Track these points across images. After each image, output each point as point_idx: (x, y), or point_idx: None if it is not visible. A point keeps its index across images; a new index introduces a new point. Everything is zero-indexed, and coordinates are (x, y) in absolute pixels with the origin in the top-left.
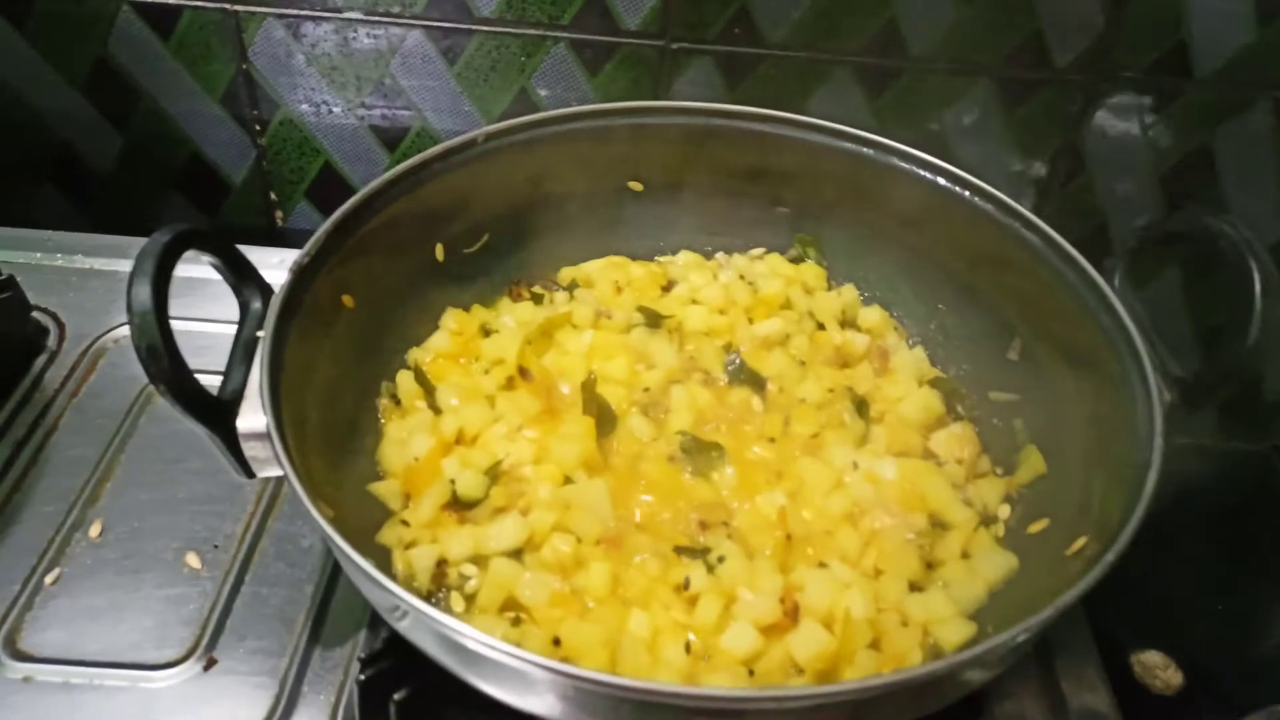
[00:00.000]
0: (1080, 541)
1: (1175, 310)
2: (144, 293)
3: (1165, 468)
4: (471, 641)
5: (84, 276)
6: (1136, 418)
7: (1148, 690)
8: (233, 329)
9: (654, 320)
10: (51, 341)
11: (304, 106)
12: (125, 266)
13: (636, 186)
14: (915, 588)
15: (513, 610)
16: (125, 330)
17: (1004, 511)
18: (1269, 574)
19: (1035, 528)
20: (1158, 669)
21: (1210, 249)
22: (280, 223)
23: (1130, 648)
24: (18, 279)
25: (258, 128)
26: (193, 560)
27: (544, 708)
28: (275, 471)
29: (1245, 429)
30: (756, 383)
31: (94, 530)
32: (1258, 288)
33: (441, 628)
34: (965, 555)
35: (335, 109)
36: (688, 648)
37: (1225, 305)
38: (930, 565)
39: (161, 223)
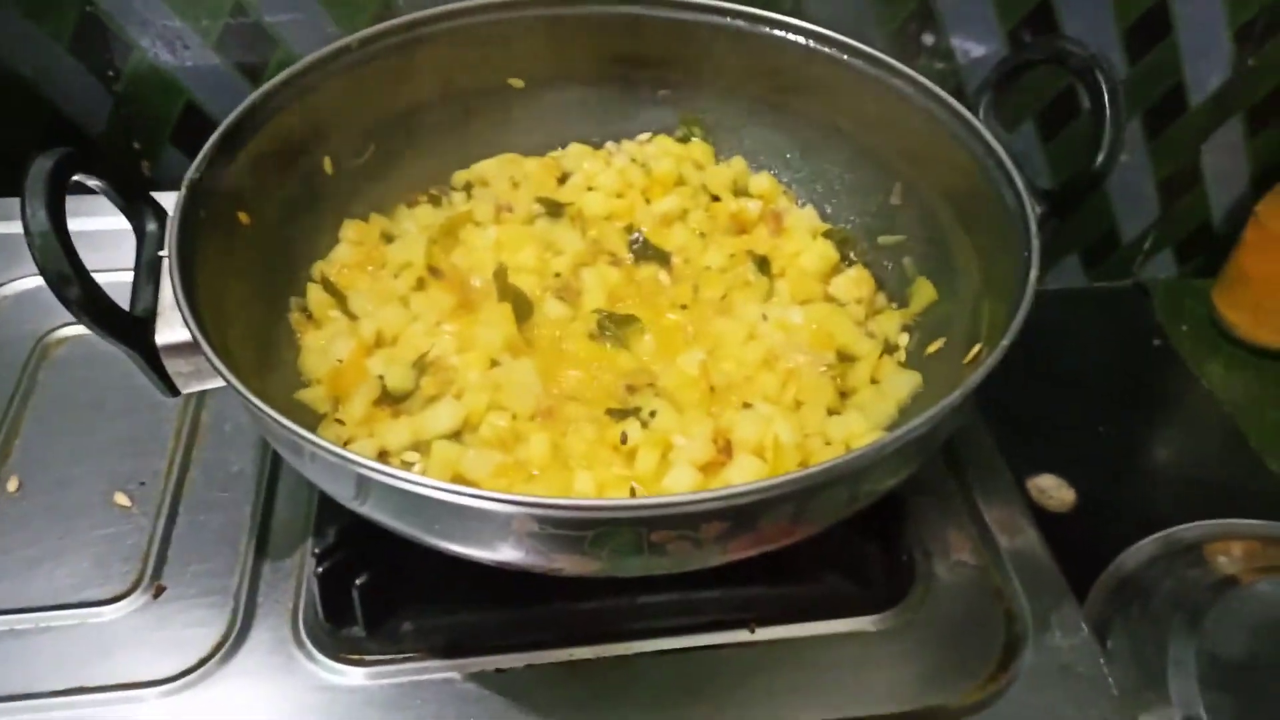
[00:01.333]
0: (975, 349)
1: (1036, 144)
2: (40, 214)
3: (1042, 311)
4: (438, 492)
5: None
6: (1013, 230)
7: (1044, 510)
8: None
9: (555, 210)
10: None
11: (159, 47)
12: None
13: (517, 83)
14: (833, 413)
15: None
16: (10, 288)
17: (904, 339)
18: (1140, 401)
19: (933, 348)
20: (1051, 490)
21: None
22: (148, 172)
23: (1026, 474)
24: None
25: (112, 74)
26: (122, 499)
27: (509, 553)
28: (200, 385)
29: (1108, 271)
30: (662, 258)
31: (11, 485)
32: (1105, 93)
33: (405, 484)
34: (874, 380)
35: (193, 45)
36: (632, 493)
37: (1082, 138)
38: (844, 394)
39: None
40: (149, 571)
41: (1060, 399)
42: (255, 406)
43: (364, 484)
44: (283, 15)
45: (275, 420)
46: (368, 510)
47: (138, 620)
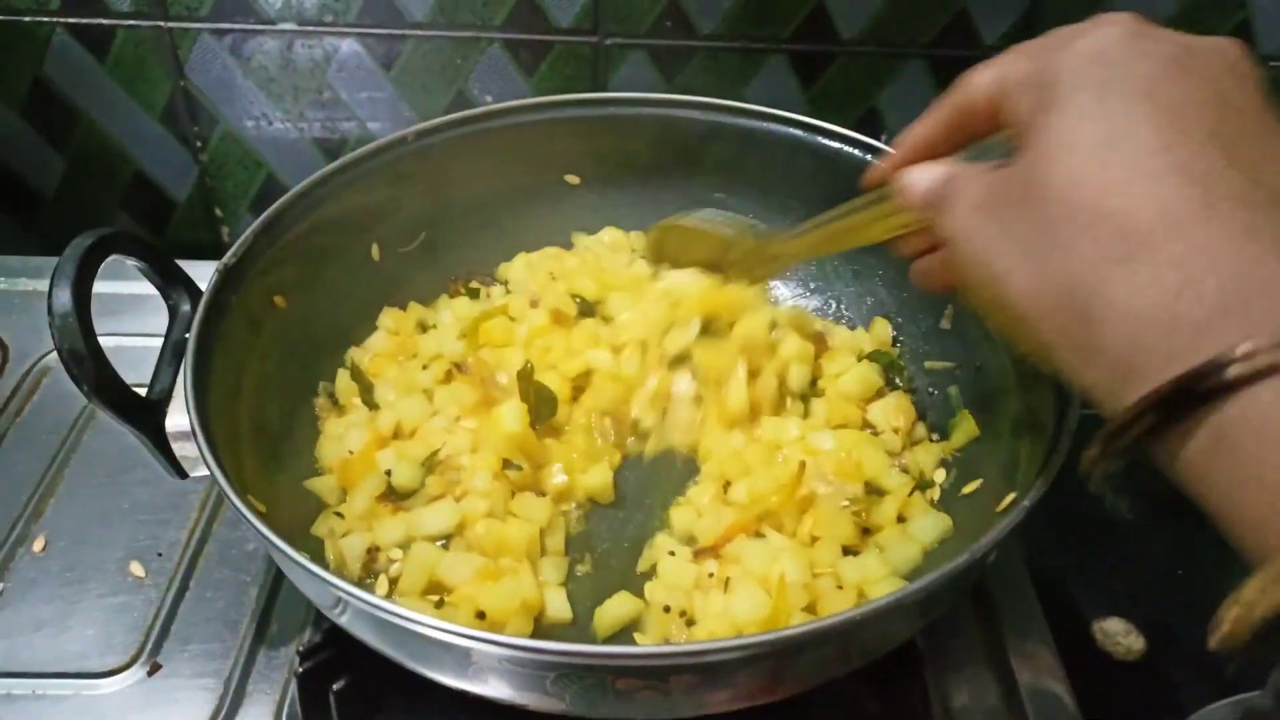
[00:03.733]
0: (1009, 498)
1: None
2: (64, 296)
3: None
4: (394, 617)
5: (27, 298)
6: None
7: (1111, 657)
8: None
9: (588, 309)
10: None
11: (244, 120)
12: None
13: (573, 179)
14: (851, 552)
15: (436, 593)
16: None
17: (940, 476)
18: (1224, 545)
19: (969, 488)
20: (1119, 635)
21: None
22: (226, 238)
23: (1091, 616)
24: None
25: (199, 144)
26: (137, 569)
27: (476, 685)
28: (206, 471)
29: None
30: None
31: (37, 545)
32: None
33: (361, 604)
34: (901, 519)
35: (275, 121)
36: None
37: None
38: (867, 531)
39: None
40: (149, 646)
41: (1135, 535)
42: (239, 508)
43: (338, 600)
44: (361, 96)
45: (255, 525)
46: (345, 623)
47: (129, 696)
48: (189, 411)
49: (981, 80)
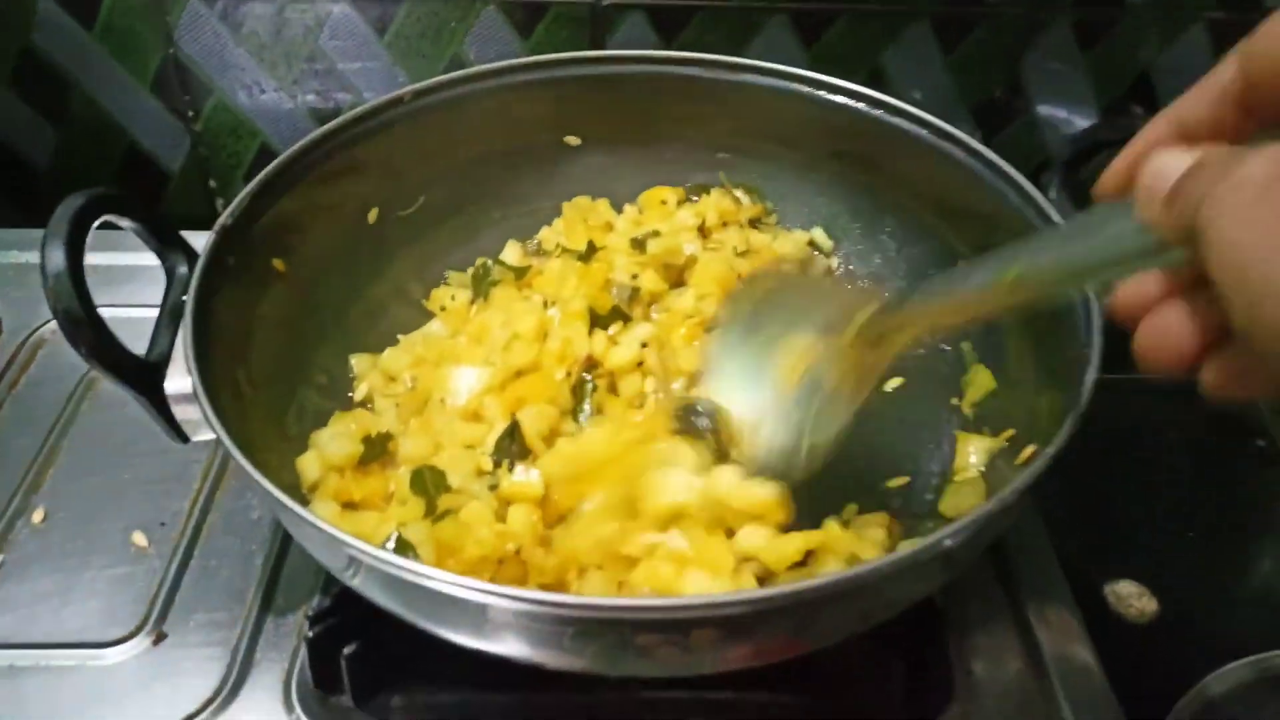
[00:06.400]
0: (1029, 450)
1: None
2: (58, 256)
3: (1131, 402)
4: (408, 574)
5: (21, 271)
6: (1076, 321)
7: (1123, 619)
8: None
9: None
10: None
11: (236, 89)
12: None
13: (573, 140)
14: None
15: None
16: None
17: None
18: (1233, 503)
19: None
20: (1131, 598)
21: None
22: (222, 209)
23: (1103, 579)
24: None
25: (191, 114)
26: (140, 539)
27: (491, 642)
28: (208, 435)
29: None
30: None
31: (37, 516)
32: None
33: (375, 562)
34: None
35: (268, 90)
36: None
37: None
38: None
39: None
40: (154, 616)
41: (1148, 498)
42: (244, 467)
43: (351, 561)
44: (355, 64)
45: (263, 484)
46: (358, 584)
47: (135, 667)
48: (191, 372)
49: None
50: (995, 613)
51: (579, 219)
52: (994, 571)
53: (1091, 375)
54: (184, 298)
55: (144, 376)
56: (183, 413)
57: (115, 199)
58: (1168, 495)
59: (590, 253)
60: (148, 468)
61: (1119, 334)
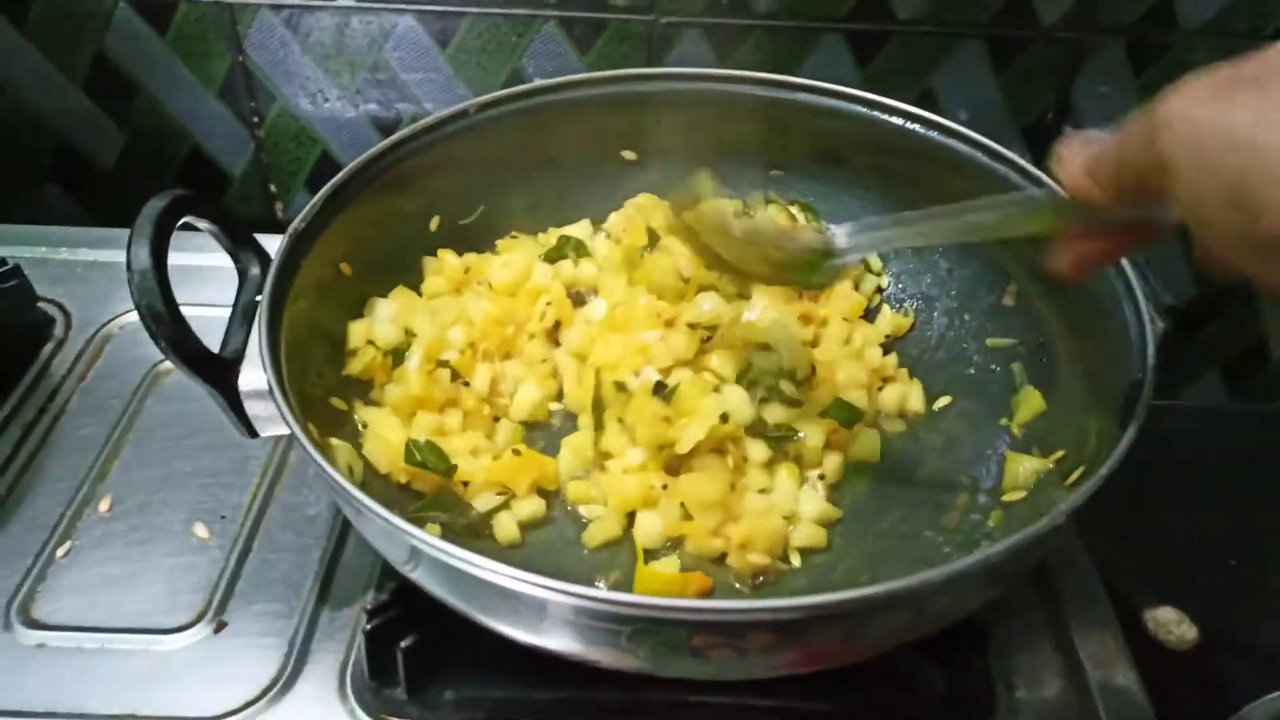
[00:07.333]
0: (1078, 472)
1: (1168, 242)
2: (143, 253)
3: (1174, 428)
4: (469, 566)
5: (89, 268)
6: (1130, 347)
7: (1163, 646)
8: None
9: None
10: (58, 330)
11: (300, 97)
12: None
13: (630, 155)
14: None
15: None
16: (130, 317)
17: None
18: (1277, 532)
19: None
20: (1171, 625)
21: None
22: (281, 214)
23: (1144, 605)
24: (24, 271)
25: (255, 119)
26: (201, 531)
27: (548, 638)
28: (277, 430)
29: (1252, 392)
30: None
31: (103, 505)
32: None
33: (437, 553)
34: None
35: (331, 98)
36: None
37: None
38: None
39: None
40: (214, 605)
41: (1189, 525)
42: (315, 460)
43: (412, 552)
44: (417, 75)
45: (331, 476)
46: (418, 577)
47: (196, 653)
48: (265, 369)
49: None
50: (1038, 633)
51: (640, 216)
52: (1037, 592)
53: (1145, 401)
54: (258, 298)
55: (219, 372)
56: (253, 409)
57: (196, 201)
58: (1211, 523)
59: (653, 241)
60: (208, 461)
61: (1167, 360)
